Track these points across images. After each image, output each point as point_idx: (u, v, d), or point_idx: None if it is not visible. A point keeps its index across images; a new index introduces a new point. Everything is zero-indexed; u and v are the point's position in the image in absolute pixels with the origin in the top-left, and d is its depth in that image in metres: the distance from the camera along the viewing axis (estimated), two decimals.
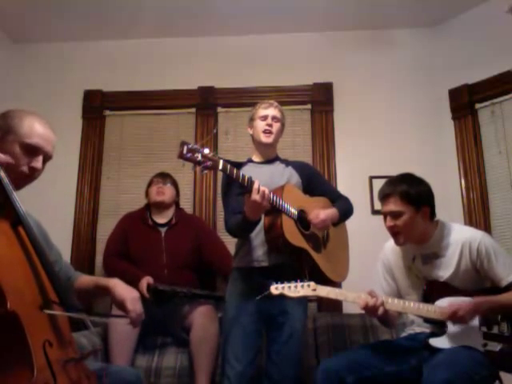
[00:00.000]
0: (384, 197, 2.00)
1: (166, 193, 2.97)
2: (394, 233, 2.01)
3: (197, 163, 1.82)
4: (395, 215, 1.96)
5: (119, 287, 1.51)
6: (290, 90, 3.48)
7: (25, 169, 1.40)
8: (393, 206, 1.96)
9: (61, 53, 3.68)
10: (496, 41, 3.18)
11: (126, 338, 2.47)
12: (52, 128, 1.50)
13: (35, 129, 1.43)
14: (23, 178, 1.42)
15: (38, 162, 1.43)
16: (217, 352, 2.52)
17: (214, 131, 3.43)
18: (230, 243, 2.56)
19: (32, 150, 1.42)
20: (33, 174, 1.44)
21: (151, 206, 3.02)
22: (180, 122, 3.56)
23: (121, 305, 1.47)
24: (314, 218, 2.14)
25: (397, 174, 2.06)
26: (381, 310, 1.81)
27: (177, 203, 3.09)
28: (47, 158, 1.47)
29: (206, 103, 3.54)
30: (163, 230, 2.94)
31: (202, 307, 2.63)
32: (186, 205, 3.34)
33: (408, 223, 1.95)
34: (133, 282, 2.64)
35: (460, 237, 1.98)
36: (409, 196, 1.94)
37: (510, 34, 3.08)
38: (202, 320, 2.57)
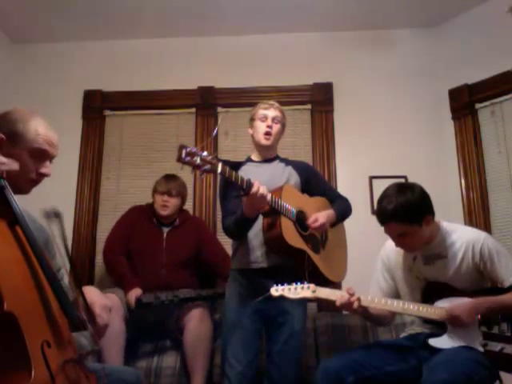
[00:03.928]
0: (382, 223, 1.92)
1: (171, 206, 2.93)
2: (403, 248, 2.00)
3: (195, 167, 1.81)
4: (400, 235, 1.92)
5: (91, 292, 1.47)
6: (290, 90, 3.48)
7: (33, 175, 1.42)
8: (395, 231, 1.91)
9: (61, 53, 3.68)
10: (496, 41, 3.17)
11: (115, 337, 2.45)
12: (53, 128, 1.51)
13: (41, 133, 1.44)
14: (31, 184, 1.43)
15: (46, 168, 1.45)
16: (210, 352, 2.55)
17: (214, 134, 3.41)
18: (228, 243, 2.55)
19: (39, 155, 1.43)
20: (40, 179, 1.45)
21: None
22: (180, 122, 3.56)
23: (89, 308, 1.40)
24: (312, 222, 2.12)
25: (387, 190, 1.95)
26: (355, 305, 1.81)
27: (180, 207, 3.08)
28: (52, 158, 1.49)
29: (206, 103, 3.53)
30: (166, 230, 2.96)
31: (194, 310, 2.63)
32: (186, 204, 3.32)
33: (415, 238, 1.91)
34: (124, 289, 2.69)
35: (463, 237, 1.97)
36: (407, 217, 1.86)
37: (510, 34, 3.08)
38: (193, 322, 2.58)
